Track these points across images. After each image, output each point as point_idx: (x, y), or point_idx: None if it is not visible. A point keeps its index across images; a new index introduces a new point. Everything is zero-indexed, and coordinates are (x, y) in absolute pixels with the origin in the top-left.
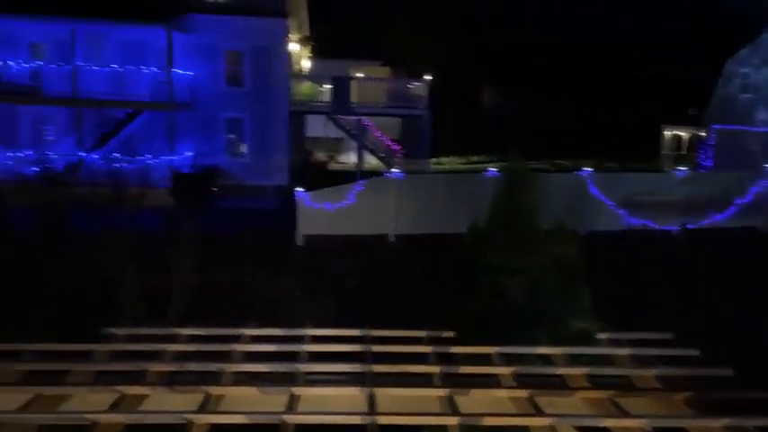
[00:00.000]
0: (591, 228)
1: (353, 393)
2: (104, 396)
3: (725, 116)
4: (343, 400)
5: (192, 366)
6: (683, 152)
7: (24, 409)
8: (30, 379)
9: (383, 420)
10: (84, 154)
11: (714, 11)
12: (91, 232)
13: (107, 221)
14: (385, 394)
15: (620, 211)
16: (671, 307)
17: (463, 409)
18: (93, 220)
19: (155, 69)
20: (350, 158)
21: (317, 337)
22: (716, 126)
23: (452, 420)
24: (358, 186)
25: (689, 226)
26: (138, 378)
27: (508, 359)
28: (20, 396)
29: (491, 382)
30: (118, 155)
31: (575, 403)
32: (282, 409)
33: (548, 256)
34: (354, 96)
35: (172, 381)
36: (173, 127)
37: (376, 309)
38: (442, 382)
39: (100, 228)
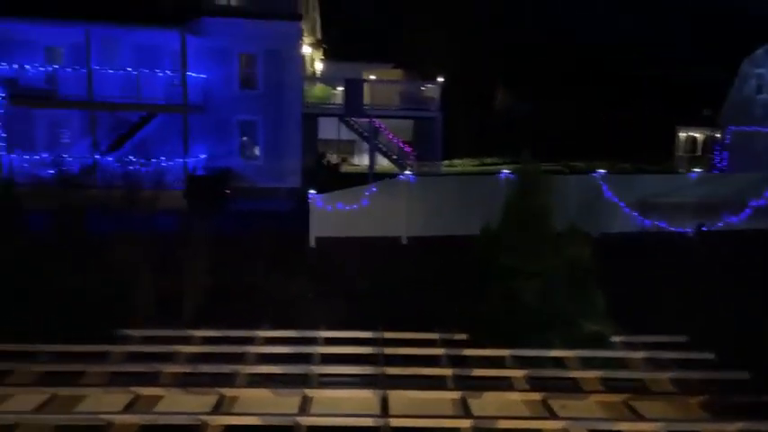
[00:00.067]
0: (604, 230)
1: (366, 396)
2: (119, 397)
3: (740, 117)
4: (356, 403)
5: (206, 368)
6: (698, 153)
7: (40, 409)
8: (46, 380)
9: (396, 423)
10: (98, 157)
11: (730, 11)
12: (106, 234)
13: (122, 224)
14: (398, 397)
15: (634, 213)
16: (685, 310)
17: (476, 412)
18: (108, 222)
19: (169, 72)
20: (362, 160)
21: (330, 339)
22: (731, 127)
23: (465, 423)
24: (370, 188)
25: (704, 228)
26: (152, 379)
27: (521, 362)
28: (36, 397)
29: (504, 384)
30: (132, 157)
31: (588, 406)
32: (295, 410)
33: (561, 259)
34: (367, 99)
35: (186, 382)
36: (186, 129)
37: (388, 311)
38: (455, 385)
39: (115, 230)
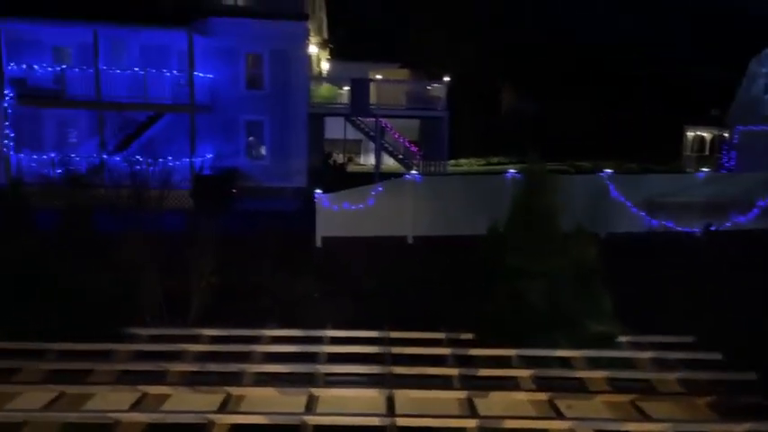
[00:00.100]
0: (611, 230)
1: (372, 395)
2: (126, 395)
3: (748, 116)
4: (362, 402)
5: (213, 367)
6: (706, 153)
7: (48, 407)
8: (54, 378)
9: (402, 422)
10: (106, 156)
11: (739, 11)
12: (113, 233)
13: (129, 223)
14: (404, 396)
15: (641, 213)
16: (693, 310)
17: (482, 412)
18: (115, 221)
19: (176, 72)
20: (368, 160)
21: (336, 338)
22: (739, 127)
23: (471, 423)
24: (376, 188)
25: (711, 228)
26: (159, 378)
27: (527, 362)
28: (44, 395)
29: (510, 384)
30: (139, 157)
31: (595, 407)
32: (302, 409)
33: (567, 259)
34: (373, 98)
35: (193, 381)
36: (193, 129)
37: (394, 310)
38: (461, 385)
39: (122, 229)
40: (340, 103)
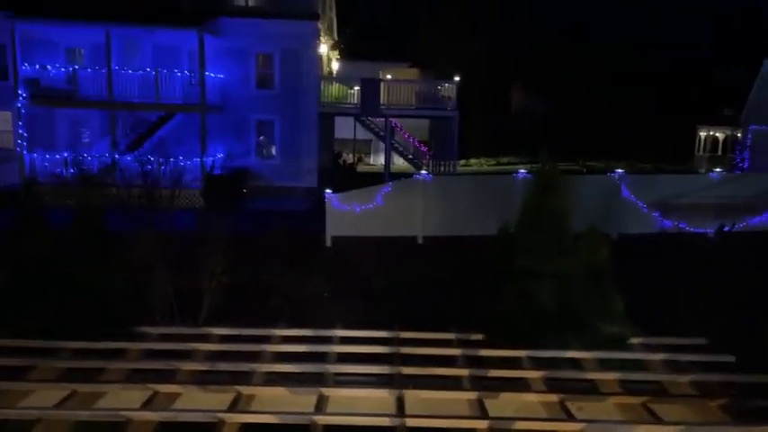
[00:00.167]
0: (623, 230)
1: (382, 395)
2: (138, 393)
3: (762, 116)
4: (372, 402)
5: (224, 366)
6: (719, 153)
7: (61, 405)
8: (66, 376)
9: (412, 423)
10: (117, 156)
11: (751, 10)
12: (125, 232)
13: (140, 222)
14: (414, 396)
15: (654, 214)
16: (705, 312)
17: (492, 413)
18: (127, 220)
19: (187, 72)
20: (378, 160)
21: (346, 338)
22: (752, 126)
23: (482, 424)
24: (386, 188)
25: (725, 229)
26: (170, 376)
27: (538, 363)
28: (57, 392)
29: (521, 385)
30: (151, 156)
31: (606, 409)
32: (312, 409)
33: (578, 259)
34: (383, 98)
35: (203, 380)
36: (204, 129)
37: (404, 310)
38: (471, 385)
39: (134, 228)
40: (350, 103)
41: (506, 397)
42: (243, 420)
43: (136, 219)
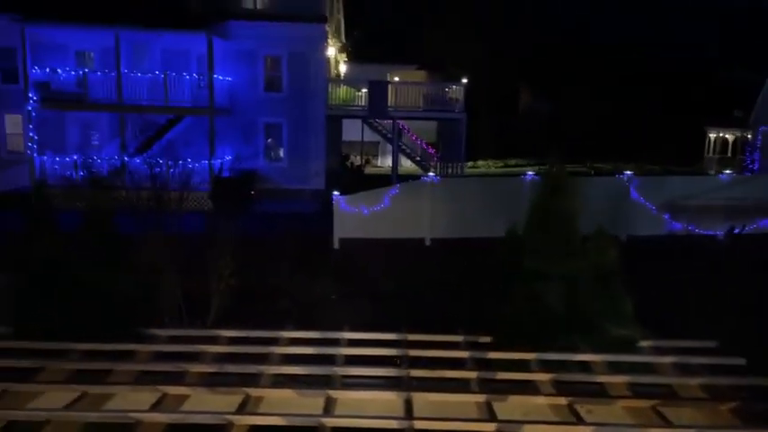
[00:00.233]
0: (631, 232)
1: (390, 398)
2: (146, 395)
3: None
4: (380, 405)
5: (232, 368)
6: (729, 155)
7: (70, 406)
8: (76, 378)
9: (420, 425)
10: (127, 158)
11: (761, 11)
12: (134, 235)
13: (149, 224)
14: (422, 399)
15: (664, 216)
16: (715, 314)
17: (501, 416)
18: (135, 222)
19: (195, 75)
20: (386, 162)
21: (354, 340)
22: (762, 127)
23: (490, 427)
24: (393, 190)
25: (735, 231)
26: (179, 378)
27: (547, 365)
28: (66, 394)
29: (529, 388)
30: (159, 159)
31: (616, 412)
32: (320, 411)
33: (586, 261)
34: (390, 100)
35: (212, 382)
36: (212, 132)
37: (412, 312)
38: (480, 388)
39: (142, 230)
40: (357, 105)
41: (515, 400)
42: (251, 422)
43: (145, 221)
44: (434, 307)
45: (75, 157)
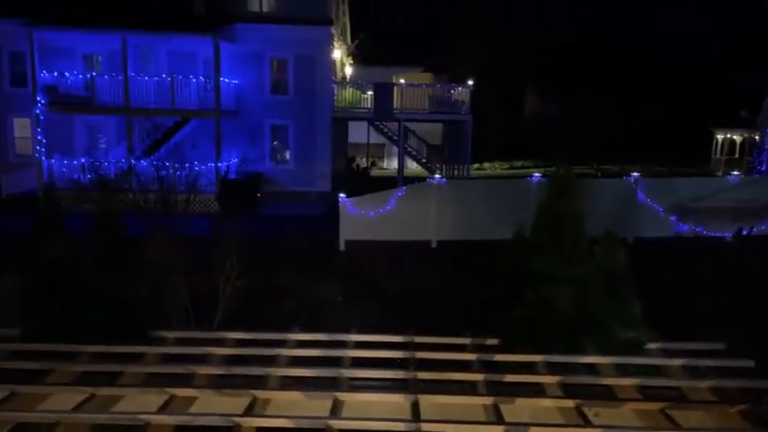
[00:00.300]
0: (638, 234)
1: (397, 400)
2: (155, 397)
3: None
4: (387, 407)
5: (239, 370)
6: (736, 156)
7: (79, 408)
8: (84, 379)
9: (427, 428)
10: (134, 161)
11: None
12: (141, 237)
13: (156, 226)
14: (429, 401)
15: (672, 218)
16: (724, 316)
17: (508, 418)
18: (143, 225)
19: (202, 78)
20: (392, 164)
21: (361, 342)
22: None
23: (497, 429)
24: (399, 192)
25: (743, 232)
26: (186, 380)
27: (554, 368)
28: (75, 396)
29: (537, 391)
30: (166, 162)
31: (624, 415)
32: (327, 413)
33: (594, 264)
34: (396, 102)
35: (219, 383)
36: (219, 134)
37: (418, 314)
38: (487, 391)
39: (150, 232)
40: (363, 108)
41: (522, 402)
42: (258, 424)
43: (152, 223)
44: (441, 309)
45: (82, 160)
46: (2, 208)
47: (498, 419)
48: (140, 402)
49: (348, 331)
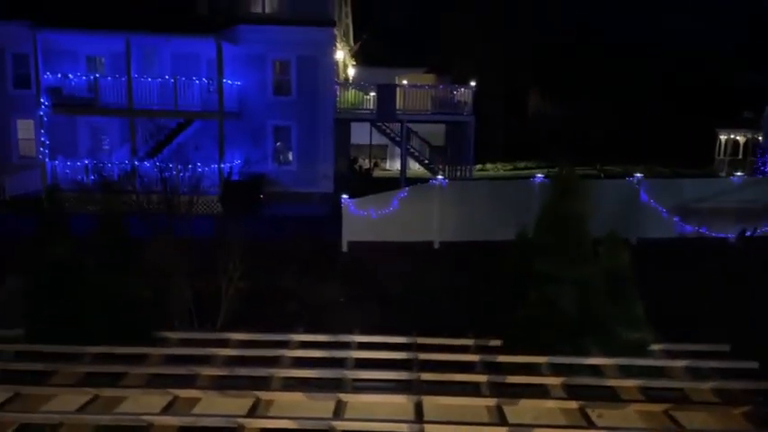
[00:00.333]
0: (641, 235)
1: (400, 401)
2: (158, 398)
3: None
4: (390, 408)
5: (242, 371)
6: (740, 157)
7: (83, 409)
8: (88, 381)
9: (430, 429)
10: (137, 162)
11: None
12: (144, 238)
13: (159, 228)
14: (432, 403)
15: (675, 218)
16: (727, 317)
17: (511, 420)
18: (146, 226)
19: (205, 80)
20: (394, 165)
21: (364, 343)
22: None
23: (501, 431)
24: (402, 193)
25: (747, 233)
26: (190, 382)
27: (557, 369)
28: (79, 397)
29: (540, 392)
30: (169, 163)
31: (627, 416)
32: (330, 415)
33: (597, 265)
34: (399, 103)
35: (223, 385)
36: (222, 135)
37: (421, 315)
38: (490, 392)
39: (153, 234)
40: (366, 109)
41: (525, 403)
42: (262, 425)
43: (155, 225)
44: (444, 310)
45: (86, 162)
46: (5, 209)
47: (501, 421)
48: (144, 403)
49: (351, 332)
